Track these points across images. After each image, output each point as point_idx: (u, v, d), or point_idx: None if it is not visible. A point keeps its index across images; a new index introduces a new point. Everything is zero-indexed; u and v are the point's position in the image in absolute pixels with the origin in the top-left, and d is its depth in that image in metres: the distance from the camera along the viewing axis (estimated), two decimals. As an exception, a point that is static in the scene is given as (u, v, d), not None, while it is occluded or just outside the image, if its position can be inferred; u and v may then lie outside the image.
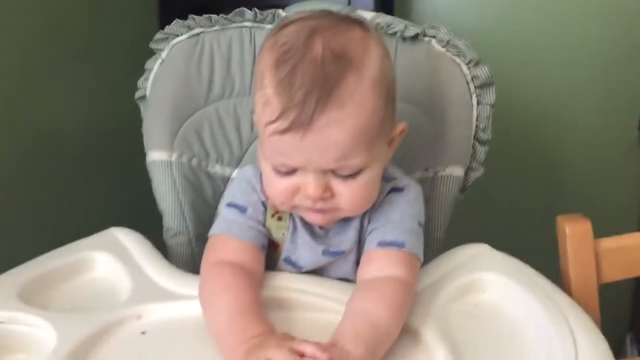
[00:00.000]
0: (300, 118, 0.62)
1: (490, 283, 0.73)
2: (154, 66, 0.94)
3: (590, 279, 0.78)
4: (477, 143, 0.93)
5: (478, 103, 0.92)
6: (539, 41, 1.60)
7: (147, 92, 0.95)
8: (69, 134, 1.23)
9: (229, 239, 0.73)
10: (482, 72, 0.91)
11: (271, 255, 0.76)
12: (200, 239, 0.91)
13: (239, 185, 0.77)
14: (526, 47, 1.61)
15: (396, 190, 0.76)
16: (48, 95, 1.17)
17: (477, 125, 0.92)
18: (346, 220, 0.74)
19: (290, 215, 0.75)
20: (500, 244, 0.80)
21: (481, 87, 0.92)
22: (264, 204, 0.75)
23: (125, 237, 0.80)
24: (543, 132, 1.63)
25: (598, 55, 1.60)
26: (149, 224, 0.90)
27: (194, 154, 0.93)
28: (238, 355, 0.59)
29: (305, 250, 0.75)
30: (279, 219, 0.75)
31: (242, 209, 0.74)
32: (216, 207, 0.95)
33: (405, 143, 0.88)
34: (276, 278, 0.73)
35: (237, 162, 0.96)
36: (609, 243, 0.80)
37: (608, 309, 0.85)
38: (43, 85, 1.16)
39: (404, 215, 0.74)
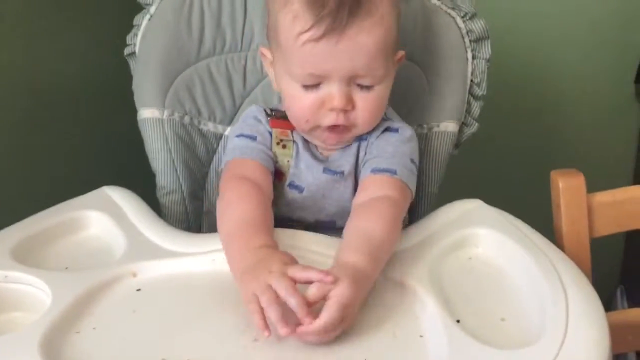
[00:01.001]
0: (334, 25, 0.68)
1: (484, 237, 0.74)
2: (143, 22, 0.92)
3: (583, 233, 0.78)
4: (471, 98, 0.92)
5: (473, 57, 0.91)
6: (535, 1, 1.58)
7: (137, 49, 0.93)
8: (58, 93, 1.21)
9: (244, 160, 0.77)
10: (478, 25, 0.90)
11: (276, 185, 0.79)
12: (194, 196, 0.91)
13: (245, 121, 0.83)
14: (522, 7, 1.59)
15: (391, 130, 0.80)
16: (36, 52, 1.15)
17: (472, 80, 0.92)
18: (344, 149, 0.80)
19: (294, 142, 0.80)
20: (494, 199, 0.80)
21: (476, 41, 0.90)
22: (270, 134, 0.80)
23: (118, 196, 0.80)
24: (537, 86, 1.62)
25: (594, 7, 1.58)
26: (142, 182, 0.90)
27: (186, 111, 0.91)
28: (240, 266, 0.63)
29: (307, 171, 0.79)
30: (284, 146, 0.80)
31: (252, 137, 0.80)
32: (209, 165, 0.94)
33: (401, 97, 0.89)
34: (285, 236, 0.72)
35: (229, 120, 0.95)
36: (602, 197, 0.80)
37: (599, 263, 0.86)
38: (31, 42, 1.14)
39: (397, 150, 0.78)
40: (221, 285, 0.66)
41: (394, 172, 0.76)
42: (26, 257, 0.69)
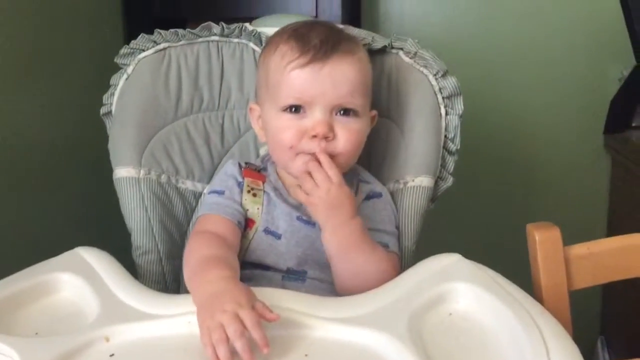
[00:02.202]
0: (319, 54, 0.77)
1: (463, 293, 0.73)
2: (120, 81, 0.93)
3: (561, 286, 0.79)
4: (446, 153, 0.93)
5: (446, 113, 0.93)
6: (506, 52, 1.64)
7: (113, 108, 0.93)
8: (33, 150, 1.20)
9: (209, 216, 0.83)
10: (450, 83, 0.92)
11: (247, 233, 0.83)
12: (171, 256, 0.90)
13: (217, 177, 0.89)
14: (493, 58, 1.64)
15: (376, 195, 0.87)
16: (12, 109, 1.14)
17: (445, 136, 0.93)
18: None
19: (264, 192, 0.84)
20: (472, 253, 0.80)
21: (449, 97, 0.93)
22: (240, 185, 0.85)
23: (92, 257, 0.78)
24: (509, 139, 1.66)
25: (563, 60, 1.64)
26: (116, 243, 0.88)
27: (163, 170, 0.91)
28: (197, 299, 0.66)
29: (281, 218, 0.83)
30: (254, 195, 0.84)
31: (220, 192, 0.84)
32: (187, 224, 0.94)
33: (379, 153, 0.90)
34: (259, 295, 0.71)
35: (208, 177, 0.95)
36: (578, 250, 0.80)
37: (579, 314, 0.86)
38: (7, 99, 1.13)
39: (385, 219, 0.85)
40: (197, 348, 0.64)
41: (387, 246, 0.83)
42: (-2, 322, 0.67)
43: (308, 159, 0.78)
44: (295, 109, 0.79)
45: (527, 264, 0.83)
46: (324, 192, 0.76)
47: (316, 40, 0.78)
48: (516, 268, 0.86)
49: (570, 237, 0.83)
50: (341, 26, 0.95)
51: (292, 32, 0.81)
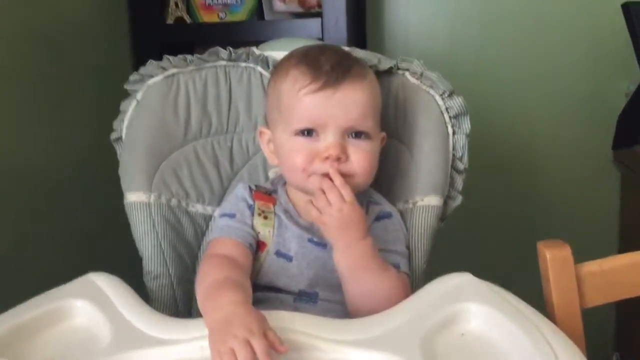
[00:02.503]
0: (331, 80, 0.78)
1: (475, 312, 0.73)
2: (129, 108, 0.94)
3: (574, 305, 0.78)
4: (454, 172, 0.94)
5: (454, 133, 0.93)
6: (512, 68, 1.64)
7: (123, 134, 0.94)
8: (45, 176, 1.21)
9: (221, 239, 0.83)
10: (456, 102, 0.92)
11: (259, 256, 0.83)
12: (182, 280, 0.90)
13: (228, 200, 0.89)
14: (499, 75, 1.65)
15: (386, 216, 0.87)
16: (22, 136, 1.16)
17: (453, 155, 0.93)
18: None
19: (275, 214, 0.84)
20: (482, 272, 0.80)
21: (456, 117, 0.93)
22: (251, 208, 0.85)
23: (104, 282, 0.78)
24: (518, 158, 1.65)
25: (571, 76, 1.64)
26: (128, 267, 0.89)
27: (173, 194, 0.92)
28: (209, 322, 0.67)
29: (293, 240, 0.83)
30: (265, 217, 0.84)
31: (231, 215, 0.85)
32: (198, 248, 0.94)
33: (388, 174, 0.90)
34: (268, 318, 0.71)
35: (218, 200, 0.96)
36: (590, 267, 0.80)
37: (592, 332, 0.86)
38: (17, 126, 1.15)
39: (395, 240, 0.86)
40: (210, 373, 0.64)
41: (398, 267, 0.83)
42: (9, 351, 0.67)
43: (322, 177, 0.78)
44: (308, 132, 0.80)
45: (538, 281, 0.83)
46: (336, 211, 0.76)
47: (327, 66, 0.79)
48: (527, 286, 0.86)
49: (582, 254, 0.82)
50: (347, 48, 0.96)
51: (302, 56, 0.82)
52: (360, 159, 0.80)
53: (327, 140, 0.79)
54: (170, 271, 0.89)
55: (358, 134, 0.80)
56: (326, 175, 0.78)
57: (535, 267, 0.82)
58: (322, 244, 0.82)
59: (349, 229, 0.77)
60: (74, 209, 1.29)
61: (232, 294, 0.69)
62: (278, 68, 0.85)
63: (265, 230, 0.84)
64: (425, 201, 0.91)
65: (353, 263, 0.78)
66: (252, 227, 0.84)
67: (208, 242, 0.87)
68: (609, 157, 1.60)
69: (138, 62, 1.06)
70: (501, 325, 0.70)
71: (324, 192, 0.77)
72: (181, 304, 0.90)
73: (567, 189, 1.66)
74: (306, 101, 0.79)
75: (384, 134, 0.87)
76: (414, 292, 0.79)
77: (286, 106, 0.81)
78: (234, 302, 0.68)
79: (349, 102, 0.79)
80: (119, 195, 0.92)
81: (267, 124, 0.88)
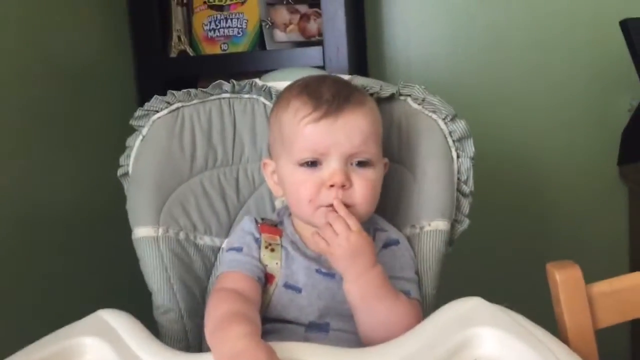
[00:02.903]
0: (332, 108, 0.79)
1: (487, 337, 0.72)
2: (135, 143, 0.95)
3: (586, 326, 0.77)
4: (460, 196, 0.94)
5: (458, 156, 0.94)
6: (513, 88, 1.65)
7: (130, 169, 0.95)
8: (52, 214, 1.22)
9: (229, 273, 0.83)
10: (459, 126, 0.93)
11: (268, 289, 0.82)
12: (192, 314, 0.90)
13: (235, 234, 0.89)
14: (501, 96, 1.65)
15: (393, 243, 0.87)
16: (28, 174, 1.17)
17: (459, 178, 0.94)
18: None
19: (282, 246, 0.84)
20: (492, 295, 0.79)
21: (459, 140, 0.93)
22: (258, 241, 0.85)
23: (114, 319, 0.78)
24: (523, 178, 1.65)
25: (570, 98, 1.64)
26: (137, 302, 0.89)
27: (181, 227, 0.92)
28: (218, 358, 0.67)
29: (301, 271, 0.82)
30: (272, 250, 0.84)
31: (238, 249, 0.85)
32: (207, 280, 0.94)
33: (393, 200, 0.91)
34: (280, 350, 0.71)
35: (226, 232, 0.96)
36: (601, 287, 0.79)
37: (608, 352, 0.85)
38: (25, 167, 1.16)
39: (404, 266, 0.86)
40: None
41: (409, 294, 0.83)
42: (20, 391, 0.67)
43: (327, 210, 0.79)
44: (312, 163, 0.80)
45: (549, 302, 0.82)
46: (344, 240, 0.76)
47: (328, 95, 0.80)
48: (538, 307, 0.85)
49: (592, 272, 0.81)
50: (349, 76, 0.98)
51: (302, 87, 0.83)
52: (363, 187, 0.80)
53: (331, 168, 0.79)
54: (179, 305, 0.89)
55: (361, 163, 0.81)
56: (331, 207, 0.78)
57: (546, 288, 0.82)
58: (331, 274, 0.82)
59: (358, 257, 0.77)
60: (83, 246, 1.30)
61: (240, 327, 0.69)
62: (279, 99, 0.86)
63: (272, 262, 0.84)
64: (433, 226, 0.90)
65: (364, 292, 0.78)
66: (260, 260, 0.83)
67: (217, 276, 0.87)
68: (614, 173, 1.60)
69: (143, 97, 1.07)
70: (514, 349, 0.70)
71: (330, 224, 0.77)
72: (192, 338, 0.90)
73: (574, 206, 1.65)
74: (308, 130, 0.79)
75: (386, 160, 0.87)
76: (424, 318, 0.78)
77: (288, 137, 0.81)
78: (242, 335, 0.68)
79: (351, 129, 0.79)
80: (127, 230, 0.92)
81: (270, 155, 0.89)
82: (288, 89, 0.86)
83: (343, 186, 0.79)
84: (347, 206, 0.79)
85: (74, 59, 1.32)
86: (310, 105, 0.80)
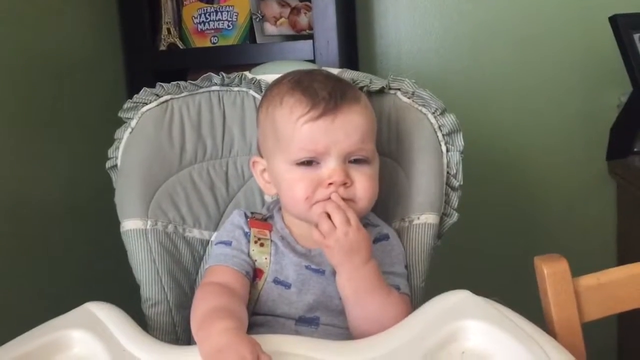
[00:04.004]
0: (329, 106, 0.77)
1: (475, 330, 0.73)
2: (124, 135, 0.95)
3: (573, 319, 0.78)
4: (449, 189, 0.94)
5: (447, 150, 0.94)
6: (503, 83, 1.65)
7: (118, 162, 0.94)
8: (40, 207, 1.21)
9: (217, 267, 0.82)
10: (449, 120, 0.93)
11: (257, 284, 0.82)
12: (181, 307, 0.90)
13: (224, 227, 0.88)
14: (491, 91, 1.66)
15: (383, 237, 0.86)
16: (16, 167, 1.16)
17: (448, 172, 0.94)
18: None
19: (272, 241, 0.83)
20: (480, 288, 0.80)
21: (449, 134, 0.94)
22: (247, 235, 0.84)
23: (101, 312, 0.78)
24: (512, 173, 1.66)
25: (559, 93, 1.65)
26: (125, 295, 0.88)
27: (170, 220, 0.92)
28: (203, 351, 0.67)
29: (290, 267, 0.82)
30: (262, 245, 0.83)
31: (227, 243, 0.84)
32: (196, 273, 0.94)
33: (384, 193, 0.90)
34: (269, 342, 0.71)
35: (215, 225, 0.95)
36: (587, 281, 0.80)
37: (595, 346, 0.85)
38: (13, 159, 1.15)
39: (394, 261, 0.85)
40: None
41: (398, 288, 0.82)
42: (6, 384, 0.67)
43: (325, 201, 0.77)
44: (308, 162, 0.79)
45: (537, 295, 0.83)
46: (342, 235, 0.75)
47: (324, 92, 0.78)
48: (526, 300, 0.86)
49: (581, 265, 0.82)
50: (339, 70, 0.97)
51: (295, 83, 0.81)
52: (364, 184, 0.79)
53: (330, 167, 0.78)
54: (168, 298, 0.89)
55: (358, 160, 0.80)
56: (328, 199, 0.78)
57: (534, 281, 0.82)
58: (320, 271, 0.82)
59: (354, 253, 0.76)
60: (70, 238, 1.29)
61: (224, 322, 0.69)
62: (269, 96, 0.84)
63: (261, 257, 0.83)
64: (422, 219, 0.90)
65: (358, 287, 0.77)
66: (249, 255, 0.83)
67: (205, 269, 0.86)
68: (603, 169, 1.61)
69: (132, 90, 1.07)
70: (501, 341, 0.70)
71: (328, 215, 0.76)
72: (180, 331, 0.89)
73: (563, 201, 1.66)
74: (306, 129, 0.78)
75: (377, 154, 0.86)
76: (413, 310, 0.79)
77: (284, 135, 0.80)
78: (226, 330, 0.67)
79: (350, 127, 0.78)
80: (116, 223, 0.91)
81: (260, 153, 0.87)
82: (276, 84, 0.84)
83: (345, 184, 0.78)
84: (346, 201, 0.78)
85: (63, 51, 1.31)
86: (307, 103, 0.78)
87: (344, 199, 0.78)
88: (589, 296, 0.79)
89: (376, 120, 0.86)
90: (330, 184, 0.77)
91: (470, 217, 1.07)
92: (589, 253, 1.41)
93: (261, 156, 0.86)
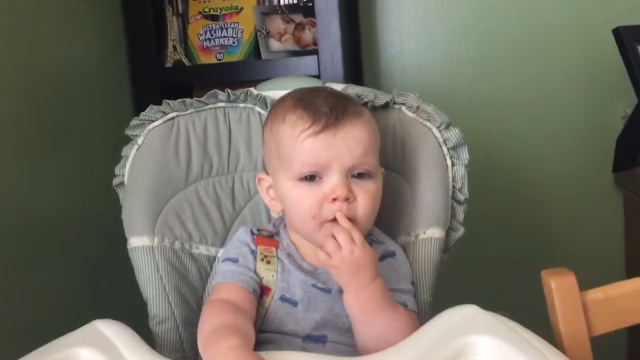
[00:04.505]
0: (330, 121, 0.78)
1: (482, 345, 0.72)
2: (131, 152, 0.95)
3: (581, 333, 0.77)
4: (455, 203, 0.94)
5: (452, 164, 0.94)
6: (508, 96, 1.65)
7: (125, 179, 0.95)
8: (46, 223, 1.22)
9: (224, 284, 0.82)
10: (453, 134, 0.93)
11: (264, 301, 0.81)
12: (188, 323, 0.90)
13: (230, 244, 0.88)
14: (496, 104, 1.66)
15: (389, 255, 0.86)
16: (23, 183, 1.17)
17: (453, 186, 0.94)
18: None
19: (278, 258, 0.83)
20: (487, 302, 0.79)
21: (454, 148, 0.94)
22: (254, 253, 0.84)
23: (109, 330, 0.78)
24: (518, 186, 1.65)
25: (564, 106, 1.65)
26: (133, 313, 0.88)
27: (176, 236, 0.92)
28: None
29: (297, 285, 0.81)
30: (268, 262, 0.83)
31: (234, 260, 0.84)
32: (203, 290, 0.94)
33: (388, 208, 0.91)
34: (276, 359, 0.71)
35: (221, 241, 0.96)
36: (594, 295, 0.79)
37: (604, 358, 0.85)
38: (20, 175, 1.16)
39: (400, 278, 0.85)
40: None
41: (405, 306, 0.82)
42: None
43: (331, 224, 0.77)
44: (311, 177, 0.79)
45: (545, 310, 0.82)
46: (347, 254, 0.75)
47: (326, 108, 0.79)
48: (534, 314, 0.85)
49: (588, 279, 0.82)
50: (344, 85, 0.98)
51: (297, 100, 0.82)
52: (365, 200, 0.79)
53: (332, 182, 0.78)
54: (175, 315, 0.89)
55: (361, 174, 0.80)
56: (335, 221, 0.77)
57: (541, 294, 0.82)
58: (327, 290, 0.82)
59: (360, 271, 0.76)
60: (77, 255, 1.30)
61: (231, 339, 0.69)
62: (272, 114, 0.84)
63: (268, 275, 0.83)
64: (428, 234, 0.90)
65: (365, 305, 0.77)
66: (256, 272, 0.83)
67: (212, 286, 0.86)
68: (609, 180, 1.61)
69: (138, 106, 1.07)
70: (510, 356, 0.70)
71: (333, 236, 0.76)
72: (188, 348, 0.89)
73: (569, 213, 1.66)
74: (307, 144, 0.78)
75: (382, 169, 0.86)
76: (420, 326, 0.78)
77: (287, 152, 0.80)
78: (233, 347, 0.67)
79: (351, 141, 0.78)
80: (123, 240, 0.92)
81: (265, 170, 0.88)
82: (280, 103, 0.84)
83: (347, 199, 0.78)
84: (350, 219, 0.78)
85: (70, 68, 1.32)
86: (308, 118, 0.78)
87: (347, 217, 0.78)
88: (597, 310, 0.78)
89: (379, 135, 0.86)
90: (335, 199, 0.77)
91: (477, 230, 1.07)
92: (597, 265, 1.41)
93: (267, 173, 0.87)
